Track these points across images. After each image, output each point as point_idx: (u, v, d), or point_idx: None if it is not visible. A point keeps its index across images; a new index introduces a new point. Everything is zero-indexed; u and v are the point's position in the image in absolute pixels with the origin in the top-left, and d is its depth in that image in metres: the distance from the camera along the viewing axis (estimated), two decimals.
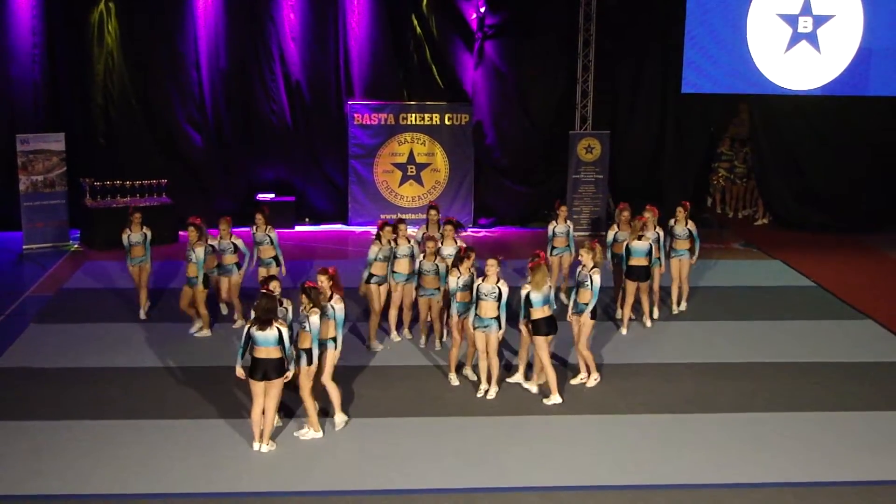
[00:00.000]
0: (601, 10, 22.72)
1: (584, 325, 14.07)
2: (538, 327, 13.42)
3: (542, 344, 13.42)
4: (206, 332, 15.78)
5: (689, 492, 11.15)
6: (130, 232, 16.44)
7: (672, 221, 17.20)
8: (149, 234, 16.55)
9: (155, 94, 22.39)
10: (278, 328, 11.80)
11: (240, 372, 12.11)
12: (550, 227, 17.39)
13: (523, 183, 23.80)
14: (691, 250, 17.18)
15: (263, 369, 11.81)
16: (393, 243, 15.40)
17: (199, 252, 15.48)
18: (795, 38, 21.96)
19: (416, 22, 22.96)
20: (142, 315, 16.46)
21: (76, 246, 21.12)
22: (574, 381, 14.19)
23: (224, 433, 12.36)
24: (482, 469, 11.62)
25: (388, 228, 15.39)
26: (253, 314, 11.87)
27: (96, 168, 21.75)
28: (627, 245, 16.22)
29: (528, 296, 13.43)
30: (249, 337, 11.81)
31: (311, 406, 12.33)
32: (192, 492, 11.00)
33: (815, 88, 22.29)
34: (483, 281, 13.46)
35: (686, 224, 17.13)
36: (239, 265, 16.13)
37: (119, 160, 22.16)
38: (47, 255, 20.40)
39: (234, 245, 16.08)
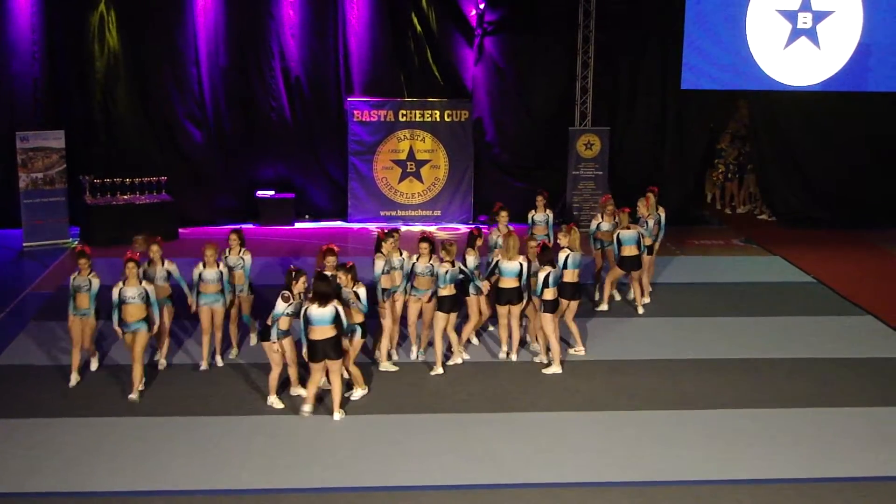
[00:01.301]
0: (600, 6, 22.68)
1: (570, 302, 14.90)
2: (501, 296, 14.52)
3: (516, 312, 14.65)
4: (76, 378, 13.70)
5: (690, 488, 11.15)
6: (77, 275, 13.78)
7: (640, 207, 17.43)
8: (95, 282, 13.72)
9: (154, 91, 22.38)
10: (335, 307, 12.39)
11: (305, 353, 12.65)
12: (530, 216, 17.53)
13: (523, 179, 23.77)
14: (656, 236, 17.49)
15: (322, 350, 12.43)
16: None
17: (94, 283, 13.61)
18: (795, 34, 21.96)
19: (415, 18, 22.96)
20: (73, 381, 13.62)
21: (76, 243, 21.11)
22: (571, 351, 15.04)
23: (224, 430, 12.36)
24: (482, 465, 11.63)
25: (391, 240, 14.52)
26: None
27: (96, 165, 21.76)
28: (618, 235, 16.55)
29: (496, 263, 14.52)
30: (307, 318, 12.34)
31: (355, 371, 13.19)
32: (193, 489, 11.00)
33: (815, 84, 22.30)
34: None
35: (657, 210, 17.28)
36: (223, 292, 14.26)
37: (119, 157, 22.17)
38: (47, 253, 20.40)
39: (221, 273, 14.20)
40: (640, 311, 17.07)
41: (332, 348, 12.46)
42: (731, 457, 11.90)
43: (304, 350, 12.56)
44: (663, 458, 11.87)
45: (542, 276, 14.18)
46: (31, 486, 11.01)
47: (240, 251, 14.71)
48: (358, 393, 13.27)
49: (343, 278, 13.17)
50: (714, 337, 16.04)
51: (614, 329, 16.31)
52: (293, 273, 12.90)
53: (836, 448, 12.18)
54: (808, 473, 11.53)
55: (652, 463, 11.74)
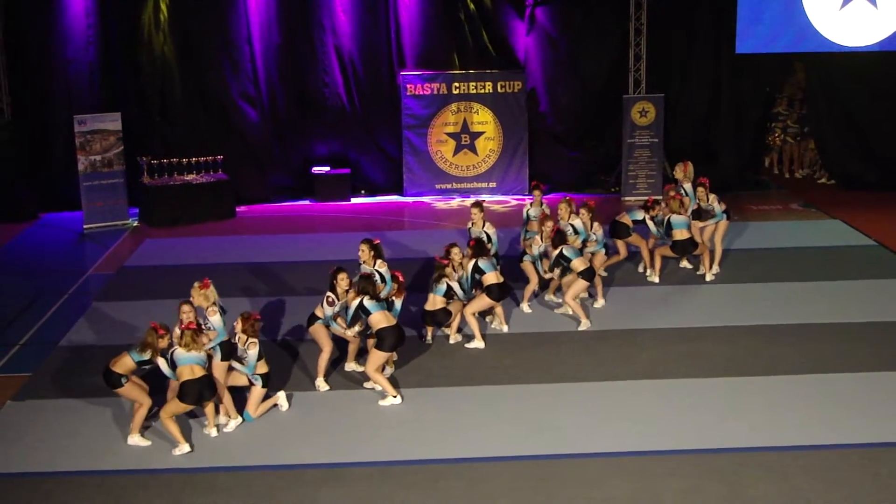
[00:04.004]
0: None
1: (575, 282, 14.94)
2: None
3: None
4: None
5: (752, 455, 11.10)
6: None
7: (699, 202, 17.01)
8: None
9: (208, 71, 22.46)
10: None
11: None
12: (525, 211, 16.51)
13: (578, 148, 23.70)
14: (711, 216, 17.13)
15: (398, 336, 12.70)
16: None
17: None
18: None
19: None
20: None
21: (135, 224, 21.32)
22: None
23: (291, 405, 12.47)
24: (543, 436, 11.65)
25: (455, 252, 14.19)
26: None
27: (153, 146, 21.92)
28: (668, 220, 16.24)
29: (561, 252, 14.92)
30: (365, 310, 12.58)
31: (382, 379, 12.71)
32: (255, 464, 11.15)
33: (872, 44, 21.99)
34: None
35: (707, 199, 16.93)
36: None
37: (175, 137, 22.32)
38: (107, 234, 20.62)
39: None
40: (709, 278, 16.92)
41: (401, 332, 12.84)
42: (793, 423, 11.82)
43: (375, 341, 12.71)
44: (725, 425, 11.81)
45: (554, 254, 14.84)
46: (103, 464, 11.20)
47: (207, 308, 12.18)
48: (388, 400, 12.62)
49: (365, 254, 13.49)
50: (775, 302, 15.90)
51: (673, 297, 16.24)
52: (333, 273, 12.92)
53: None
54: (871, 438, 11.43)
55: (715, 431, 11.69)
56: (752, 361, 13.61)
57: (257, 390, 12.08)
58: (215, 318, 12.03)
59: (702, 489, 10.48)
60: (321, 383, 12.97)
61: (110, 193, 21.11)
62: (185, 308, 11.88)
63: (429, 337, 14.47)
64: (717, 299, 16.14)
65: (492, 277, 14.17)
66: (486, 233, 15.18)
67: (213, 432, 11.80)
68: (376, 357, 12.61)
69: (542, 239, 15.36)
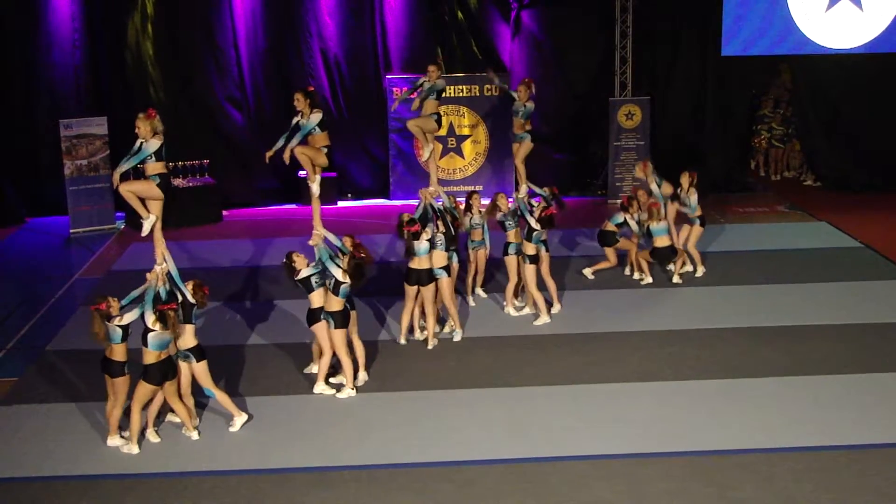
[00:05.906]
0: None
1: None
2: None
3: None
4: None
5: (741, 457, 11.13)
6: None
7: (679, 190, 17.03)
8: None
9: (195, 75, 22.42)
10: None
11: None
12: (467, 220, 15.91)
13: (564, 151, 23.71)
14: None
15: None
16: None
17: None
18: None
19: None
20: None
21: (122, 228, 21.25)
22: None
23: (273, 409, 12.47)
24: (532, 439, 11.66)
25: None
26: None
27: None
28: (648, 227, 16.41)
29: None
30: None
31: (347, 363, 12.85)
32: (244, 468, 11.13)
33: (858, 46, 22.04)
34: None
35: (687, 192, 16.94)
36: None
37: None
38: (94, 239, 20.55)
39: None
40: (676, 279, 16.94)
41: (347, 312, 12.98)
42: (780, 425, 11.86)
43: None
44: (714, 427, 11.84)
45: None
46: (85, 468, 11.18)
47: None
48: (345, 391, 12.87)
49: (300, 102, 14.19)
50: (762, 305, 15.94)
51: (661, 299, 16.26)
52: (288, 259, 13.06)
53: (889, 414, 12.10)
54: (858, 440, 11.47)
55: (703, 433, 11.72)
56: (738, 363, 13.65)
57: (198, 367, 11.82)
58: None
59: (689, 491, 10.50)
60: (324, 388, 12.88)
61: (97, 198, 21.06)
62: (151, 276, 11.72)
63: (402, 339, 14.51)
64: (704, 302, 16.17)
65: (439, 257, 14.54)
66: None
67: (195, 435, 11.80)
68: (336, 336, 12.67)
69: (472, 211, 15.85)
